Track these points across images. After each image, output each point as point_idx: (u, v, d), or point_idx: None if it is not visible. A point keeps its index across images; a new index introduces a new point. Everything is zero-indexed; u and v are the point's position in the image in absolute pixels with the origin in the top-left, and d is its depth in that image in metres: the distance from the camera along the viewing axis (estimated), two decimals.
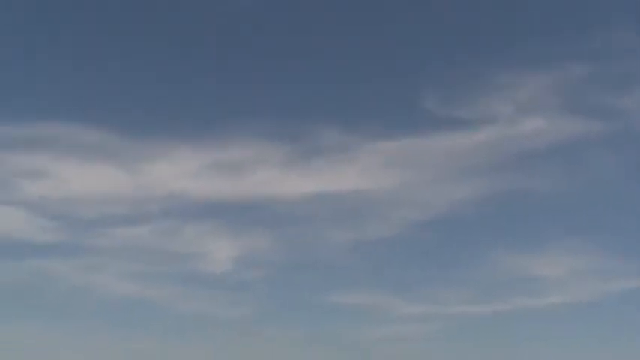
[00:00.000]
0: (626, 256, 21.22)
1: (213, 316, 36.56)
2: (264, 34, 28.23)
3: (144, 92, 38.61)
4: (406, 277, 34.84)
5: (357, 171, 39.09)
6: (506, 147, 30.54)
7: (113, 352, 35.18)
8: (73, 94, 35.66)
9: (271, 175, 39.88)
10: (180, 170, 40.11)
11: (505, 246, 31.20)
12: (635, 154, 21.64)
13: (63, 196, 37.44)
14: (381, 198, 37.42)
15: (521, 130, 29.55)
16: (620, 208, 22.58)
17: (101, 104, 36.26)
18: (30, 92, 34.14)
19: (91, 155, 37.42)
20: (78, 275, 36.11)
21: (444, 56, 28.35)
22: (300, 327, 36.50)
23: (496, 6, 23.69)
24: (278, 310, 36.48)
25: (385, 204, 37.63)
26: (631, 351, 20.61)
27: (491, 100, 28.73)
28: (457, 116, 31.53)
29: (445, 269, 34.79)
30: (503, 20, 22.90)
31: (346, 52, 30.48)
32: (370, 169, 37.55)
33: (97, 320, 35.25)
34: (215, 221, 40.74)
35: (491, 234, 31.67)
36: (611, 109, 21.25)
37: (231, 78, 37.15)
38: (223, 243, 39.95)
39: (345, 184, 39.20)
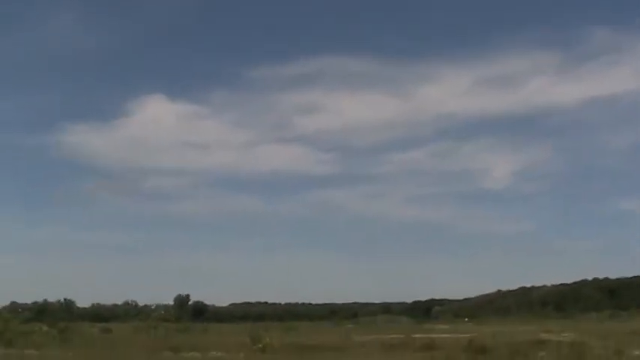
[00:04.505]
0: None
1: (497, 232, 37.37)
2: None
3: (402, 16, 38.96)
4: None
5: (632, 70, 37.92)
6: None
7: (401, 275, 36.04)
8: (335, 27, 36.57)
9: (544, 84, 39.81)
10: (450, 90, 40.06)
11: None
12: None
13: (338, 127, 38.50)
14: None
15: None
16: None
17: (364, 33, 37.16)
18: (293, 29, 34.98)
19: (360, 84, 38.30)
20: (359, 204, 37.32)
21: None
22: (588, 237, 36.07)
23: None
24: (563, 222, 36.56)
25: None
26: None
27: None
28: None
29: None
30: None
31: None
32: None
33: (382, 246, 36.62)
34: (491, 137, 40.81)
35: None
36: None
37: None
38: (501, 158, 40.25)
39: (621, 86, 38.05)
